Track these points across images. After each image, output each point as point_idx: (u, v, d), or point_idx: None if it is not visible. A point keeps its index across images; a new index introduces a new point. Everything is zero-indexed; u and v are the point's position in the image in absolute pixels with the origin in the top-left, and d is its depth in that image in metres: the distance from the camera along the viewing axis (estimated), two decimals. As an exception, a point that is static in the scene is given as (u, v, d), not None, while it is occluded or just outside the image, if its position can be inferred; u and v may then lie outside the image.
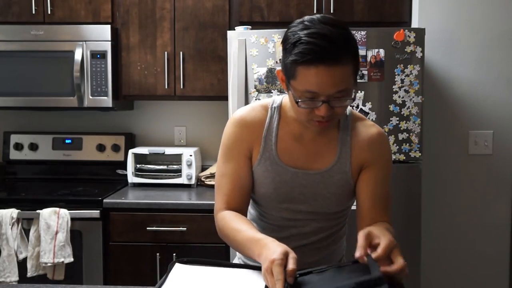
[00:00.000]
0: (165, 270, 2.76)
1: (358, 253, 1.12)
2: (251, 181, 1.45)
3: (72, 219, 2.63)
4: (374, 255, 1.10)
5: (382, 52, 2.54)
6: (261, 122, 1.45)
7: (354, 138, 1.43)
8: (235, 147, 1.45)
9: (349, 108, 1.47)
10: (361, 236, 1.14)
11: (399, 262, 1.11)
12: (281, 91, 2.56)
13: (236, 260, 1.63)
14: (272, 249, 1.17)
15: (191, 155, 3.05)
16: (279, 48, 2.56)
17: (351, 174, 1.42)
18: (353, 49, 1.27)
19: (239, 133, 1.45)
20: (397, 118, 2.56)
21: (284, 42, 1.29)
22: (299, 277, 1.21)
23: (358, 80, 2.58)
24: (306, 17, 1.28)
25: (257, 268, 1.34)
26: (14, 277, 2.57)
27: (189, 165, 3.05)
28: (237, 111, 1.51)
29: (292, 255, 1.14)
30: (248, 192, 1.46)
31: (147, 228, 2.68)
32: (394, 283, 1.10)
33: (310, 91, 1.25)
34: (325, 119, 1.29)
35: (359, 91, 2.54)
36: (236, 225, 1.36)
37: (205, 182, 3.08)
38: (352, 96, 1.30)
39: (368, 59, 2.53)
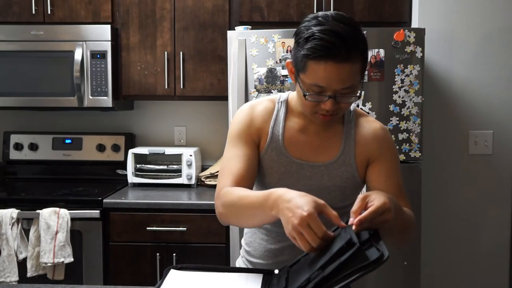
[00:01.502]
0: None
1: (351, 220, 1.13)
2: (257, 166, 1.46)
3: (72, 219, 2.63)
4: (356, 219, 1.11)
5: (382, 52, 2.54)
6: (269, 113, 1.49)
7: (358, 132, 1.47)
8: (244, 132, 1.47)
9: (353, 104, 1.51)
10: (358, 199, 1.15)
11: (371, 208, 1.11)
12: (281, 91, 2.55)
13: (239, 260, 1.62)
14: (297, 202, 1.13)
15: (191, 155, 3.05)
16: (279, 48, 2.57)
17: (356, 167, 1.45)
18: (363, 47, 1.31)
19: (249, 119, 1.48)
20: (397, 118, 2.56)
21: (297, 35, 1.33)
22: (291, 268, 1.24)
23: (358, 80, 2.58)
24: (320, 13, 1.33)
25: (253, 271, 1.34)
26: (14, 277, 2.57)
27: (189, 165, 3.05)
28: (245, 104, 1.55)
29: (322, 202, 1.14)
30: (255, 176, 1.45)
31: (147, 228, 2.68)
32: (375, 234, 1.10)
33: (317, 85, 1.30)
34: (329, 113, 1.34)
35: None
36: (242, 192, 1.33)
37: (205, 182, 3.08)
38: (358, 94, 1.33)
39: (368, 59, 2.53)
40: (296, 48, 1.33)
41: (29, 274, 2.58)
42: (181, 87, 2.99)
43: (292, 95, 1.51)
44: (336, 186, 1.44)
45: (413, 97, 2.55)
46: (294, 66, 1.35)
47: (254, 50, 2.57)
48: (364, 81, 2.54)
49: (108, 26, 2.92)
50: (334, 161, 1.44)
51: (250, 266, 1.55)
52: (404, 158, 2.57)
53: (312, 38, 1.27)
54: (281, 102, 1.51)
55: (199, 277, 1.30)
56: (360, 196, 1.16)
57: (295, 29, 1.37)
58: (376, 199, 1.14)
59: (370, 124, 1.49)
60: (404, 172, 2.54)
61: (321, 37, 1.26)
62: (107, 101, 2.93)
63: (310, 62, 1.28)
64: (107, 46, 2.92)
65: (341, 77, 1.27)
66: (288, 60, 1.40)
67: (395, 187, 1.43)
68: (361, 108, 2.53)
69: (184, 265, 1.34)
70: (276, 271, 1.28)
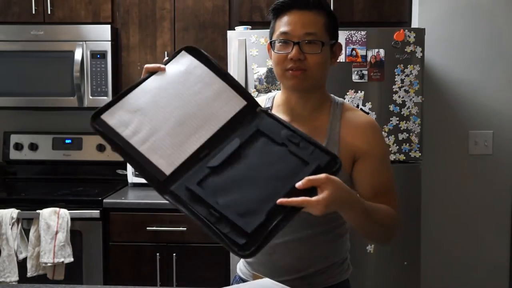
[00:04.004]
0: (166, 270, 2.77)
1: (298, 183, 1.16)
2: None
3: (72, 219, 2.63)
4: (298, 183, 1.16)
5: (382, 52, 2.54)
6: None
7: (344, 126, 1.44)
8: None
9: (341, 99, 1.50)
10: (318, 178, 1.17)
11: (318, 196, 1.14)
12: (281, 91, 2.55)
13: (239, 263, 1.61)
14: None
15: (191, 155, 3.04)
16: (279, 48, 2.57)
17: (341, 159, 1.42)
18: (326, 6, 1.42)
19: None
20: (397, 118, 2.56)
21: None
22: (268, 116, 1.31)
23: (358, 80, 2.59)
24: None
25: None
26: (14, 277, 2.57)
27: (189, 165, 3.04)
28: None
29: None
30: None
31: (147, 228, 2.68)
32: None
33: (283, 32, 1.39)
34: (296, 64, 1.37)
35: (359, 91, 2.54)
36: None
37: (205, 182, 3.07)
38: (324, 47, 1.39)
39: (368, 59, 2.53)
40: (271, 21, 1.46)
41: (29, 274, 2.58)
42: (181, 87, 2.99)
43: (279, 93, 1.53)
44: None
45: (413, 97, 2.55)
46: (269, 39, 1.46)
47: (254, 50, 2.57)
48: (364, 81, 2.54)
49: (108, 26, 2.92)
50: None
51: (247, 267, 1.54)
52: (404, 158, 2.57)
53: (276, 1, 1.44)
54: (269, 99, 1.54)
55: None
56: (323, 178, 1.16)
57: None
58: (321, 198, 1.15)
59: (357, 118, 1.46)
60: (404, 172, 2.57)
61: None
62: (107, 101, 2.92)
63: (278, 18, 1.42)
64: (107, 46, 2.92)
65: (303, 22, 1.38)
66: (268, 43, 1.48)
67: (382, 184, 1.42)
68: (360, 109, 2.53)
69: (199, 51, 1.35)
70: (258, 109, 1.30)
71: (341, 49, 1.49)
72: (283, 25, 1.40)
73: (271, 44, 1.43)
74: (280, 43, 1.40)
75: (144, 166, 1.22)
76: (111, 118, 1.26)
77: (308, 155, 1.22)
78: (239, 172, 1.21)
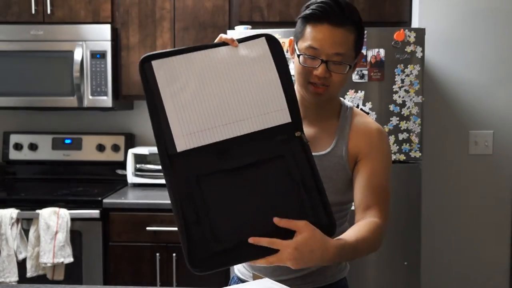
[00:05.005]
0: (166, 271, 2.77)
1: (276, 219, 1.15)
2: None
3: (72, 219, 2.63)
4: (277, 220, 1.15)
5: (382, 52, 2.53)
6: None
7: (353, 128, 1.47)
8: None
9: (350, 103, 1.52)
10: (301, 224, 1.16)
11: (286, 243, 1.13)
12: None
13: (236, 270, 1.61)
14: None
15: (191, 155, 3.04)
16: (279, 48, 2.57)
17: (347, 159, 1.44)
18: (358, 21, 1.38)
19: None
20: (397, 118, 2.55)
21: (302, 8, 1.42)
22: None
23: (358, 80, 2.59)
24: None
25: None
26: (13, 277, 2.57)
27: (189, 165, 3.04)
28: None
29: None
30: None
31: (147, 228, 2.68)
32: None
33: (312, 47, 1.35)
34: (321, 81, 1.36)
35: (359, 91, 2.54)
36: None
37: (205, 182, 3.07)
38: (349, 69, 1.38)
39: (368, 59, 2.53)
40: (299, 20, 1.41)
41: (28, 275, 2.58)
42: (181, 87, 2.99)
43: None
44: (328, 177, 1.41)
45: (413, 97, 2.55)
46: (294, 36, 1.42)
47: (254, 50, 2.56)
48: (364, 81, 2.54)
49: (108, 26, 2.92)
50: (327, 153, 1.44)
51: (247, 267, 1.55)
52: (404, 158, 2.57)
53: (312, 3, 1.38)
54: None
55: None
56: (302, 223, 1.15)
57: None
58: (293, 243, 1.13)
59: (367, 123, 1.49)
60: (404, 172, 2.57)
61: (320, 0, 1.36)
62: (107, 101, 2.93)
63: (308, 25, 1.36)
64: (107, 46, 2.92)
65: (334, 40, 1.34)
66: (291, 38, 1.46)
67: (377, 188, 1.41)
68: (361, 109, 2.53)
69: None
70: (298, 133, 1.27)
71: (362, 58, 1.49)
72: (312, 38, 1.35)
73: (297, 55, 1.39)
74: (307, 57, 1.37)
75: (162, 131, 1.17)
76: (160, 68, 1.20)
77: (310, 207, 1.18)
78: (240, 188, 1.16)
